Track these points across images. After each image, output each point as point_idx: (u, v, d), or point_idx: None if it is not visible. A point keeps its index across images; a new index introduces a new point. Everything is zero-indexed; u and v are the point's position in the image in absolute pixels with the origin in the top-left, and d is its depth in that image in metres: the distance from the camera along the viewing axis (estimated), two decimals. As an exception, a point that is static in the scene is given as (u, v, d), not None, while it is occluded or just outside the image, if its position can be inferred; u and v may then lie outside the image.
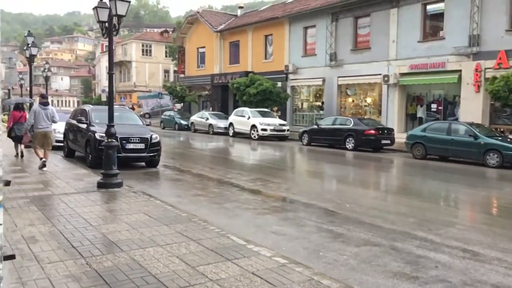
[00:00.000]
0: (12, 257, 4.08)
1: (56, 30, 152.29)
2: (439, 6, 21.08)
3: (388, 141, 19.13)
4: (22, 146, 13.35)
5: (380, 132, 19.17)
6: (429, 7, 21.60)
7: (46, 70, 26.29)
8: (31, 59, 17.89)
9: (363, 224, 6.80)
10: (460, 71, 19.90)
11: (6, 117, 25.02)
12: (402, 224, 6.87)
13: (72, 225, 5.89)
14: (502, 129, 18.53)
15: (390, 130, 19.80)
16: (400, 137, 19.76)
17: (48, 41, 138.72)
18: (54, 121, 11.25)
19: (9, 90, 28.00)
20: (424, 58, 21.23)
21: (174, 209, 6.99)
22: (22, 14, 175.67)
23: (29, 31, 20.09)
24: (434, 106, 21.88)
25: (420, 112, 22.41)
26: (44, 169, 10.66)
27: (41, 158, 10.95)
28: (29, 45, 17.63)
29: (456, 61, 20.02)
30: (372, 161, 16.35)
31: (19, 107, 13.83)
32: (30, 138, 11.58)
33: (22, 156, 13.30)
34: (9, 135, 13.24)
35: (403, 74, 22.36)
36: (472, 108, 19.34)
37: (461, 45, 19.67)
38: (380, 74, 23.14)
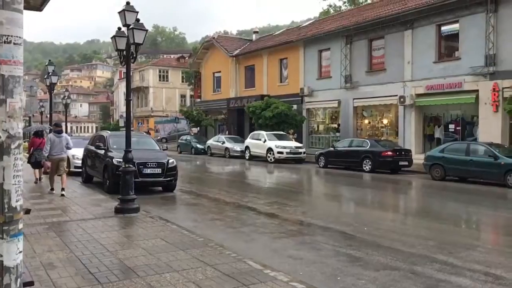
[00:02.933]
0: (31, 283, 4.12)
1: (76, 58, 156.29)
2: (454, 26, 21.06)
3: (406, 163, 18.92)
4: (42, 171, 13.62)
5: (398, 153, 19.00)
6: (443, 28, 21.60)
7: (66, 97, 26.85)
8: (51, 87, 18.36)
9: (382, 247, 6.69)
10: (477, 91, 19.72)
11: (26, 144, 25.47)
12: (422, 247, 6.73)
13: (90, 251, 5.93)
14: (522, 149, 18.18)
15: (408, 152, 19.62)
16: (418, 158, 19.53)
17: (68, 69, 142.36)
18: (68, 148, 11.68)
19: (29, 117, 28.65)
20: (440, 79, 21.13)
21: (190, 234, 6.99)
22: (43, 43, 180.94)
23: (49, 60, 20.72)
24: (452, 126, 21.63)
25: (438, 133, 22.17)
26: (55, 192, 11.13)
27: (51, 189, 11.42)
28: (50, 74, 18.12)
29: (472, 81, 19.87)
30: (390, 183, 16.16)
31: (38, 134, 14.13)
32: (49, 165, 11.97)
33: (40, 181, 13.63)
34: (29, 161, 13.57)
35: (419, 95, 22.25)
36: (491, 128, 19.06)
37: (477, 65, 19.55)
38: (396, 95, 23.06)
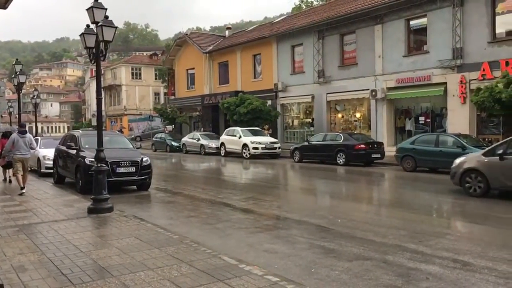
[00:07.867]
0: (0, 287, 4.06)
1: (45, 57, 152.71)
2: (422, 21, 21.49)
3: (378, 155, 19.28)
4: (11, 173, 13.39)
5: (370, 146, 19.32)
6: (412, 22, 22.01)
7: (35, 97, 26.27)
8: (19, 87, 17.92)
9: (355, 238, 6.82)
10: (445, 83, 20.20)
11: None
12: (393, 237, 6.90)
13: (62, 252, 5.85)
14: (489, 139, 18.73)
15: (380, 144, 19.98)
16: (390, 151, 19.92)
17: (37, 68, 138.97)
18: (32, 148, 11.94)
19: (-2, 118, 27.89)
20: (410, 72, 21.56)
21: (165, 232, 6.97)
22: (10, 42, 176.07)
23: (17, 59, 20.20)
24: (422, 118, 22.11)
25: (409, 125, 22.62)
26: (23, 191, 11.17)
27: (21, 188, 11.30)
28: (17, 73, 17.68)
29: (441, 74, 20.35)
30: (363, 175, 16.42)
31: (7, 135, 13.83)
32: (5, 162, 12.65)
33: (10, 182, 13.44)
34: None
35: (390, 89, 22.64)
36: (459, 120, 19.58)
37: (445, 58, 20.02)
38: (367, 89, 23.41)
